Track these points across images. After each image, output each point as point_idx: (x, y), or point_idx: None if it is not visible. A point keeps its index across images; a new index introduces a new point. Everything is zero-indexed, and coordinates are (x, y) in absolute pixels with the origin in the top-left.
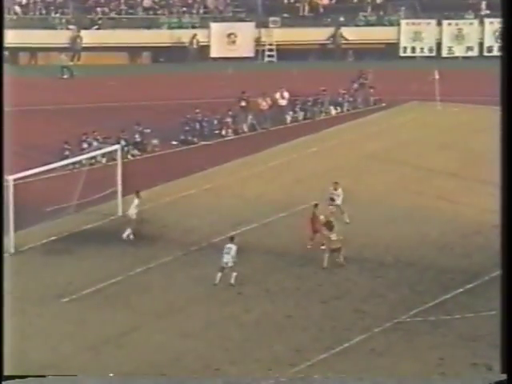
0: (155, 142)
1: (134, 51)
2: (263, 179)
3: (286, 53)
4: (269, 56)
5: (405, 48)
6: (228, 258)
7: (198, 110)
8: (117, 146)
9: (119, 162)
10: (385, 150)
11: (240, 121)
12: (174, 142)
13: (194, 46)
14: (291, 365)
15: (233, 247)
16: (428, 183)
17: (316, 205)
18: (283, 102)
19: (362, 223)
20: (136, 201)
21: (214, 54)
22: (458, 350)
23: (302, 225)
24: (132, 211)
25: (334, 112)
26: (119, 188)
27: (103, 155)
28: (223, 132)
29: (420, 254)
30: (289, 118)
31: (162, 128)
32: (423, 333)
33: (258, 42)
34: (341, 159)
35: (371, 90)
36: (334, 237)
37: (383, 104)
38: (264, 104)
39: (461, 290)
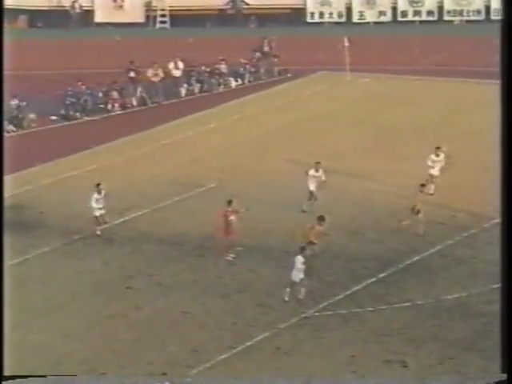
0: (32, 116)
1: (7, 13)
2: (155, 159)
3: (180, 19)
4: (161, 22)
5: (312, 13)
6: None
7: (80, 82)
8: None
9: None
10: (290, 126)
11: (128, 94)
12: (54, 117)
13: (77, 11)
14: (188, 367)
15: (299, 258)
16: (338, 162)
17: (230, 201)
18: (177, 73)
19: (266, 207)
20: None
21: (98, 18)
22: (370, 345)
23: (199, 210)
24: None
25: (234, 84)
26: None
27: None
28: (109, 106)
29: (329, 241)
30: (183, 91)
31: (40, 101)
32: (333, 328)
33: (148, 6)
34: (242, 136)
35: (275, 60)
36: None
37: (289, 75)
38: (155, 75)
39: (373, 279)
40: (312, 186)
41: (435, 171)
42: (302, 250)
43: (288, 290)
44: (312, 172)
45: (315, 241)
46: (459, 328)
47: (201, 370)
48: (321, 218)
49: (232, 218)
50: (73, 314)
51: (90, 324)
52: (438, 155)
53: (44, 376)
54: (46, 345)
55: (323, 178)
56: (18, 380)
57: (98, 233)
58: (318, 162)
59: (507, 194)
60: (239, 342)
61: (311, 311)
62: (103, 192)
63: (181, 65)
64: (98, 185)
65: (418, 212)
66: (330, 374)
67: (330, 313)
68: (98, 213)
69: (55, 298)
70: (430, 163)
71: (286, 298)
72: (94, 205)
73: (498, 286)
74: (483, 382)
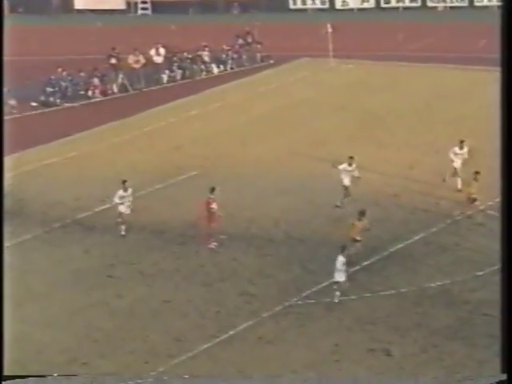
0: (12, 102)
1: None
2: (137, 146)
3: (162, 5)
4: (142, 9)
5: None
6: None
7: (61, 68)
8: None
9: None
10: (274, 113)
11: (109, 80)
12: (34, 104)
13: None
14: (170, 356)
15: (339, 259)
16: (321, 149)
17: (212, 189)
18: (159, 60)
19: (249, 195)
20: None
21: (79, 5)
22: (354, 334)
23: (181, 198)
24: None
25: (216, 70)
26: None
27: None
28: (90, 93)
29: (312, 229)
30: (165, 78)
31: (21, 87)
32: (317, 316)
33: None
34: (225, 123)
35: (258, 46)
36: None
37: (271, 61)
38: (137, 62)
39: (357, 267)
40: (346, 181)
41: (458, 164)
42: (342, 250)
43: (337, 293)
44: (345, 166)
45: (358, 238)
46: (443, 316)
47: (183, 360)
48: (361, 213)
49: (214, 205)
50: (53, 303)
51: (70, 313)
52: (461, 148)
53: (43, 376)
54: (27, 334)
55: (356, 173)
56: (17, 380)
57: (123, 233)
58: (351, 157)
59: (507, 192)
60: (222, 331)
61: (294, 300)
62: (130, 190)
63: (162, 51)
64: (124, 182)
65: (474, 200)
66: (313, 362)
67: (313, 301)
68: (122, 209)
69: (36, 286)
70: (452, 156)
71: (336, 300)
72: (117, 200)
73: (481, 273)
74: (483, 382)
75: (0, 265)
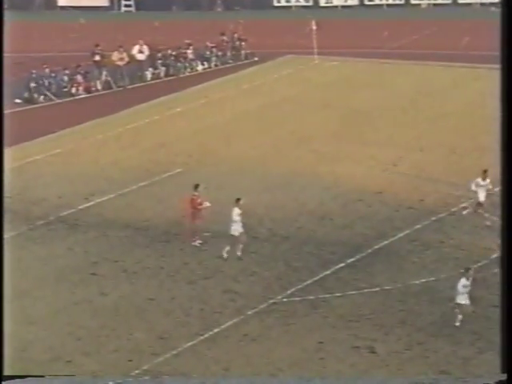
0: None
1: None
2: (121, 143)
3: (145, 2)
4: (126, 6)
5: None
6: None
7: (45, 65)
8: None
9: None
10: (258, 110)
11: (93, 77)
12: (18, 101)
13: None
14: (154, 354)
15: (461, 281)
16: (306, 146)
17: (196, 186)
18: (141, 57)
19: (234, 192)
20: None
21: (62, 1)
22: (338, 331)
23: (166, 195)
24: None
25: (200, 67)
26: None
27: None
28: (73, 90)
29: (297, 226)
30: (149, 75)
31: (4, 84)
32: (301, 314)
33: None
34: (209, 120)
35: (242, 43)
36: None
37: (256, 58)
38: (121, 59)
39: (342, 264)
40: (482, 197)
41: (482, 197)
42: (466, 272)
43: (459, 316)
44: (479, 181)
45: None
46: (427, 313)
47: (167, 358)
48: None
49: (198, 202)
50: (37, 301)
51: (54, 311)
52: (484, 178)
53: (42, 376)
54: (10, 332)
55: (490, 186)
56: (17, 380)
57: (225, 256)
58: (485, 171)
59: (507, 191)
60: (206, 329)
61: (279, 297)
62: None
63: (145, 49)
64: (238, 200)
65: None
66: (297, 360)
67: (297, 298)
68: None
69: (19, 284)
70: (474, 187)
71: (457, 323)
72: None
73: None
74: (483, 382)
75: (0, 264)
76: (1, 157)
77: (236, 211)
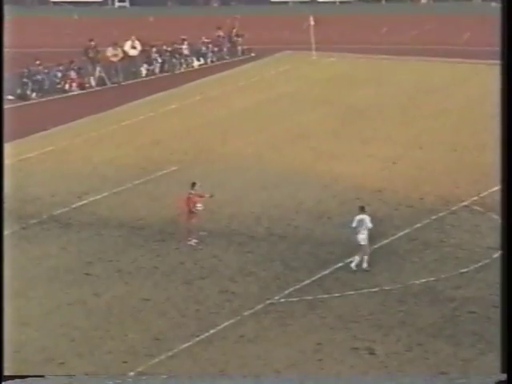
0: None
1: None
2: (115, 141)
3: None
4: (120, 1)
5: None
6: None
7: (38, 61)
8: None
9: None
10: (255, 107)
11: (87, 73)
12: (10, 97)
13: None
14: (149, 356)
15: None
16: (303, 143)
17: (193, 184)
18: (134, 53)
19: (230, 190)
20: None
21: None
22: (337, 332)
23: (161, 194)
24: None
25: (196, 64)
26: None
27: None
28: (67, 86)
29: (294, 225)
30: (144, 71)
31: None
32: (299, 315)
33: None
34: (205, 117)
35: (239, 39)
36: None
37: (252, 54)
38: (115, 55)
39: (340, 264)
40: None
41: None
42: (361, 209)
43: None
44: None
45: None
46: (427, 314)
47: (163, 359)
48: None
49: (195, 201)
50: (30, 301)
51: (47, 311)
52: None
53: (42, 376)
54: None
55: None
56: (17, 380)
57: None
58: None
59: (507, 189)
60: (202, 330)
61: (276, 297)
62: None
63: (138, 44)
64: (363, 208)
65: None
66: (295, 361)
67: (295, 299)
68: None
69: (12, 284)
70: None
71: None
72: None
73: (466, 270)
74: (483, 382)
75: (0, 264)
76: (1, 157)
77: None
